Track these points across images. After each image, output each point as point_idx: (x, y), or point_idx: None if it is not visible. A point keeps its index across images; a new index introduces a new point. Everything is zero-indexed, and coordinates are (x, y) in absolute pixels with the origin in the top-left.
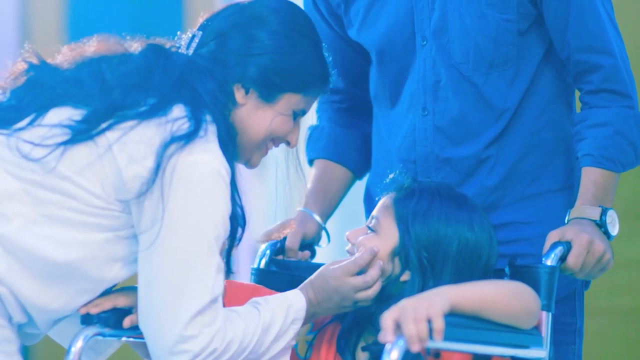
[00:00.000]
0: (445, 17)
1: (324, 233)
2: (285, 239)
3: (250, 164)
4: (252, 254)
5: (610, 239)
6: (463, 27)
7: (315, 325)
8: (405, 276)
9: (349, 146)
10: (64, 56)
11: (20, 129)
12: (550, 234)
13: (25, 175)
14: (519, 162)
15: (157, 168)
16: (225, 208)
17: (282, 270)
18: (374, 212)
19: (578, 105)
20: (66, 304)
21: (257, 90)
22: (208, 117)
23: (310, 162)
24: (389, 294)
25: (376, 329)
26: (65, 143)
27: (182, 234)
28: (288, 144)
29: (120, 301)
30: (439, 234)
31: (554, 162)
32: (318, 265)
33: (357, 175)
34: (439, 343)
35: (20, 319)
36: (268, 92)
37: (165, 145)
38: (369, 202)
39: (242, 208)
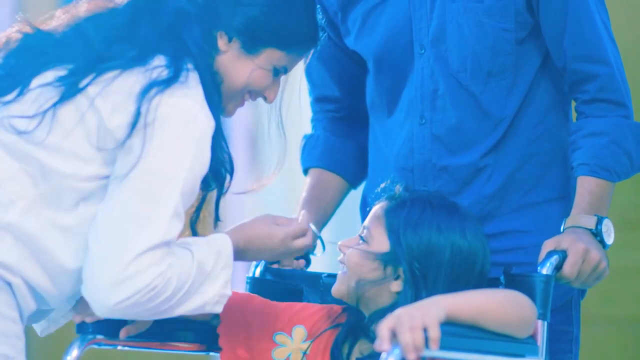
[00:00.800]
0: (444, 26)
1: (318, 242)
2: None
3: (225, 113)
4: (247, 262)
5: (606, 248)
6: (461, 36)
7: (310, 334)
8: (397, 286)
9: (344, 155)
10: (57, 20)
11: (9, 102)
12: (546, 242)
13: (21, 151)
14: (516, 171)
15: (138, 111)
16: (201, 156)
17: (277, 279)
18: (366, 222)
19: (574, 115)
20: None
21: (240, 40)
22: (190, 65)
23: (305, 171)
24: (382, 304)
25: (370, 339)
26: (54, 105)
27: (154, 171)
28: (265, 99)
29: None
30: (430, 244)
31: (551, 171)
32: (313, 274)
33: (352, 184)
34: (435, 352)
35: (32, 308)
36: (251, 44)
37: (145, 90)
38: (365, 211)
39: (229, 155)
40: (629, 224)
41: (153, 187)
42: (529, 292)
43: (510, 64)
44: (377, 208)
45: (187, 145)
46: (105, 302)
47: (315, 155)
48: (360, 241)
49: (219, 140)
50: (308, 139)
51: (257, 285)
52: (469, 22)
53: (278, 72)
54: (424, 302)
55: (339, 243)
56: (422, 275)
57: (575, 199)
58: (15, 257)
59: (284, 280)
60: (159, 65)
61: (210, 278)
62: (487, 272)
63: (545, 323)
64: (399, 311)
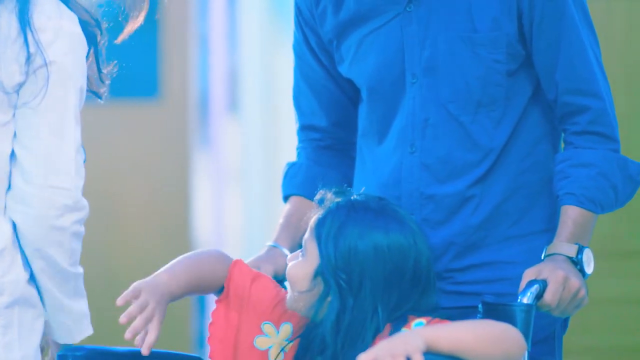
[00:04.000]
0: (437, 55)
1: None
2: None
3: None
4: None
5: (585, 277)
6: (454, 65)
7: (295, 333)
8: (330, 297)
9: (326, 185)
10: None
11: None
12: (527, 272)
13: None
14: (503, 202)
15: (24, 35)
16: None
17: None
18: (305, 235)
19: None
20: None
21: None
22: None
23: (285, 199)
24: (319, 317)
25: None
26: None
27: (58, 86)
28: None
29: None
30: (351, 252)
31: (538, 204)
32: None
33: None
34: None
35: None
36: None
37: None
38: None
39: (89, 12)
40: (609, 253)
41: (62, 100)
42: (509, 321)
43: (501, 95)
44: (312, 220)
45: (73, 45)
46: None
47: (296, 183)
48: (301, 255)
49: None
50: (291, 166)
51: None
52: (463, 51)
53: None
54: (403, 334)
55: (287, 259)
56: (347, 284)
57: (558, 227)
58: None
59: None
60: None
61: None
62: (426, 266)
63: (526, 352)
64: (378, 344)
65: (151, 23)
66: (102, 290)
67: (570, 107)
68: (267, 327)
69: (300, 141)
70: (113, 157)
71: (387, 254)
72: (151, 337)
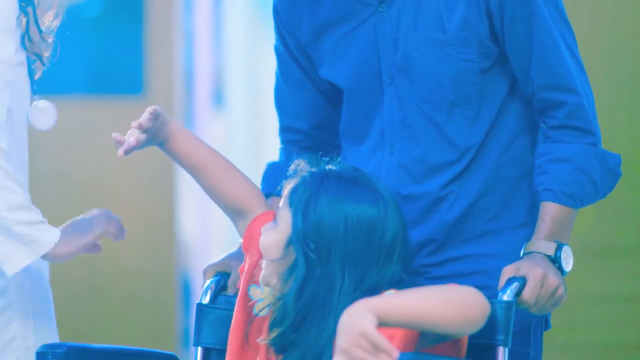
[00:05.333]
0: (408, 56)
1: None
2: (229, 274)
3: None
4: None
5: (564, 274)
6: (425, 66)
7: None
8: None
9: None
10: None
11: None
12: (505, 269)
13: None
14: (481, 198)
15: None
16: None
17: (228, 307)
18: (279, 204)
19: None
20: None
21: None
22: None
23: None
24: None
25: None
26: None
27: None
28: None
29: None
30: (322, 221)
31: (517, 198)
32: None
33: None
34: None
35: None
36: None
37: None
38: None
39: None
40: (593, 251)
41: None
42: (490, 318)
43: (475, 94)
44: (286, 188)
45: None
46: None
47: (274, 183)
48: (273, 223)
49: None
50: (270, 166)
51: (206, 313)
52: (432, 52)
53: None
54: (349, 317)
55: (262, 228)
56: (315, 254)
57: (537, 224)
58: None
59: (234, 307)
60: None
61: None
62: (395, 239)
63: (507, 350)
64: (340, 345)
65: (136, 20)
66: (85, 288)
67: (546, 102)
68: (254, 290)
69: (281, 142)
70: (98, 154)
71: (357, 224)
72: (132, 140)
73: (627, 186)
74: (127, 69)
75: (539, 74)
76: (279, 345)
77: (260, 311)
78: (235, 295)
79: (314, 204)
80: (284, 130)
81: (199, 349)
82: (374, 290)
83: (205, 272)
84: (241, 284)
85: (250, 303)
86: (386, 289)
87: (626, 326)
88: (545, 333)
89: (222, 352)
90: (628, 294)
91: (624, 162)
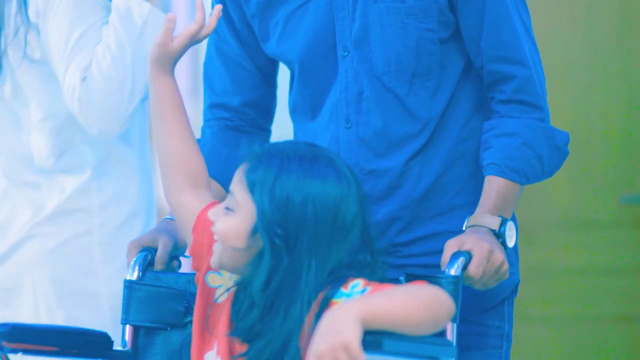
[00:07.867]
0: (367, 27)
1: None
2: (155, 249)
3: None
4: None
5: (507, 251)
6: (384, 37)
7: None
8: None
9: (228, 165)
10: None
11: None
12: (449, 242)
13: None
14: (445, 172)
15: None
16: None
17: (155, 283)
18: (231, 187)
19: None
20: None
21: None
22: None
23: None
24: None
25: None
26: None
27: None
28: None
29: None
30: (289, 203)
31: (479, 172)
32: (188, 275)
33: None
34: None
35: None
36: None
37: None
38: None
39: None
40: (570, 224)
41: None
42: None
43: (435, 64)
44: (239, 171)
45: None
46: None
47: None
48: (227, 211)
49: None
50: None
51: (135, 289)
52: (392, 22)
53: None
54: (334, 326)
55: (209, 213)
56: (282, 241)
57: (480, 198)
58: None
59: (161, 283)
60: None
61: None
62: (356, 220)
63: (455, 325)
64: (315, 338)
65: None
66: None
67: (495, 75)
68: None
69: (206, 120)
70: None
71: (325, 204)
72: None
73: (604, 159)
74: None
75: (489, 44)
76: (245, 335)
77: (219, 296)
78: (163, 272)
79: (280, 186)
80: (212, 106)
81: (127, 326)
82: (337, 272)
83: (130, 247)
84: (200, 275)
85: (209, 290)
86: (354, 276)
87: (603, 299)
88: (522, 305)
89: (151, 329)
90: (605, 267)
91: (601, 135)
